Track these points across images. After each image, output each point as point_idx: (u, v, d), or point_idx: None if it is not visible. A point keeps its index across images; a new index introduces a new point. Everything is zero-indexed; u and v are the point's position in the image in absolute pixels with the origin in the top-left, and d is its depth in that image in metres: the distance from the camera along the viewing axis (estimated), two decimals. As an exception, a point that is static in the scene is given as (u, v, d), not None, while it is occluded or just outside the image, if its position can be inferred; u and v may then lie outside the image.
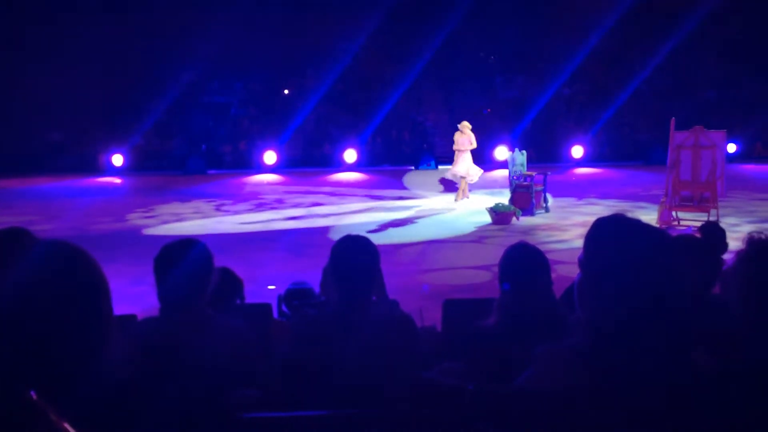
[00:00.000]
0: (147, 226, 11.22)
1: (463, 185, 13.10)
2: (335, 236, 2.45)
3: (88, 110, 18.99)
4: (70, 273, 1.22)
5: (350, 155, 19.48)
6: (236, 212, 12.61)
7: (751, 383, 1.47)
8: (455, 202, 12.98)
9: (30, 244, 2.83)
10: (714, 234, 3.44)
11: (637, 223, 1.51)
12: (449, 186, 14.18)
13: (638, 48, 19.96)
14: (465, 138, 13.00)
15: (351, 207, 12.87)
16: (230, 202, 13.95)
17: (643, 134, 20.11)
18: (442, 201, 13.48)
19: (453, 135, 13.48)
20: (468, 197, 13.13)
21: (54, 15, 18.30)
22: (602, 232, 1.52)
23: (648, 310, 1.44)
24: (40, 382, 1.12)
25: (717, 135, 10.32)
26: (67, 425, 1.11)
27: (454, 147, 13.13)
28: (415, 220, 11.16)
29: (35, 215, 12.03)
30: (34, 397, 1.10)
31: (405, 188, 15.73)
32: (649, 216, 10.01)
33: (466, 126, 13.09)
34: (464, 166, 12.94)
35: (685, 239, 2.98)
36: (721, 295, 2.76)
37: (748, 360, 1.61)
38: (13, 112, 18.93)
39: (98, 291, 1.23)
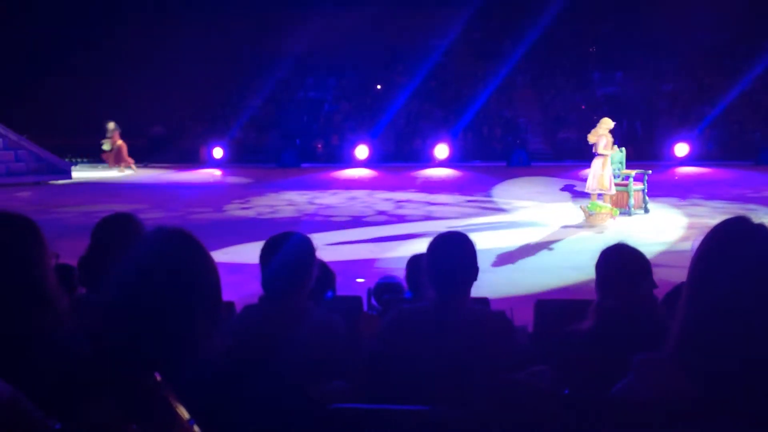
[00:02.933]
0: (244, 217, 11.64)
1: (605, 199, 10.57)
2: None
3: (190, 105, 19.91)
4: (186, 256, 1.27)
5: (441, 151, 19.37)
6: (328, 206, 12.85)
7: None
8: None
9: (136, 229, 2.99)
10: None
11: (754, 228, 1.42)
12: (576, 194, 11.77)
13: (749, 42, 18.72)
14: (599, 139, 10.56)
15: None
16: (324, 196, 14.24)
17: (755, 132, 18.87)
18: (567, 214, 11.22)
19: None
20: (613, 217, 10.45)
21: (157, 14, 19.31)
22: (725, 234, 1.44)
23: (760, 322, 1.35)
24: (161, 365, 1.18)
25: (840, 134, 9.54)
26: (182, 408, 1.17)
27: (595, 149, 10.65)
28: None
29: (143, 203, 12.74)
30: (158, 378, 1.16)
31: (511, 193, 15.32)
32: (761, 219, 9.38)
33: (602, 124, 10.67)
34: (593, 178, 10.54)
35: None
36: None
37: None
38: (120, 107, 20.14)
39: (211, 275, 1.28)
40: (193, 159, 19.95)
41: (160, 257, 1.25)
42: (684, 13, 18.06)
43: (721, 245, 1.43)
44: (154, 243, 1.28)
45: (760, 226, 1.44)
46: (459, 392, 2.14)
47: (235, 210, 12.48)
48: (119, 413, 1.09)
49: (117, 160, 18.79)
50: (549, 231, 10.02)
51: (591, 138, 10.64)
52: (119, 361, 1.15)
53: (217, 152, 20.07)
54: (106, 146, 18.67)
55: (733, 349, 1.36)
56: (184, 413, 1.17)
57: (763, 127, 18.05)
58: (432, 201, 13.21)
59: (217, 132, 20.17)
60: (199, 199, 13.67)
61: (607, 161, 10.56)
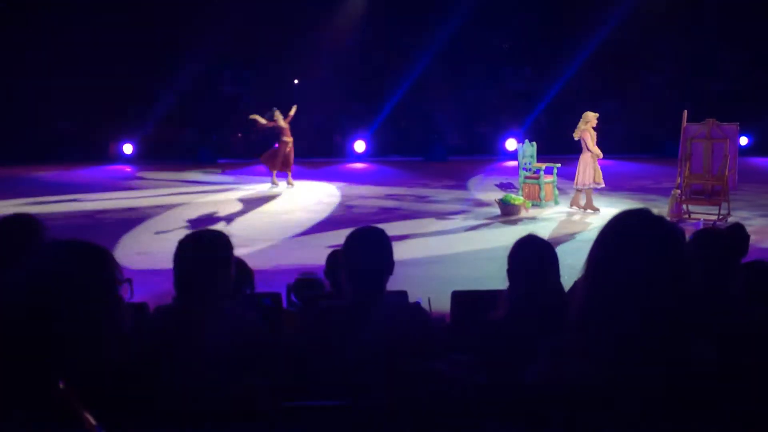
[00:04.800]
0: (157, 215, 11.28)
1: (579, 195, 10.89)
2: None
3: (98, 99, 19.03)
4: (82, 267, 1.24)
5: (359, 145, 19.52)
6: (247, 201, 12.64)
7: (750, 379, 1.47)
8: (570, 208, 10.94)
9: (35, 229, 2.85)
10: (739, 235, 3.46)
11: (652, 219, 1.51)
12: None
13: (650, 39, 19.77)
14: (584, 134, 10.67)
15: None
16: (242, 191, 13.98)
17: (655, 126, 19.96)
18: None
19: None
20: (589, 210, 10.66)
21: (64, 2, 18.32)
22: (620, 225, 1.53)
23: (653, 306, 1.45)
24: (63, 371, 1.14)
25: (729, 128, 10.25)
26: (87, 414, 1.13)
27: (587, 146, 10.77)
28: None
29: (47, 202, 12.11)
30: (62, 386, 1.12)
31: (429, 185, 15.53)
32: (660, 209, 9.96)
33: (585, 118, 10.71)
34: (587, 173, 10.64)
35: (712, 235, 2.98)
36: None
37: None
38: (22, 101, 19.01)
39: (108, 283, 1.25)
40: (102, 156, 19.15)
41: (55, 266, 1.22)
42: (591, 9, 18.82)
43: (616, 235, 1.52)
44: (48, 253, 1.25)
45: (646, 212, 1.54)
46: (379, 385, 2.17)
47: (147, 208, 12.08)
48: (21, 422, 1.05)
49: (284, 163, 13.94)
50: (466, 222, 10.26)
51: (576, 135, 10.79)
52: (18, 368, 1.11)
53: (127, 148, 19.37)
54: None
55: (627, 333, 1.45)
56: (91, 420, 1.14)
57: (664, 121, 19.09)
58: (351, 196, 13.24)
59: (128, 127, 19.42)
60: (110, 197, 13.13)
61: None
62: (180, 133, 20.75)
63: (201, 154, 19.43)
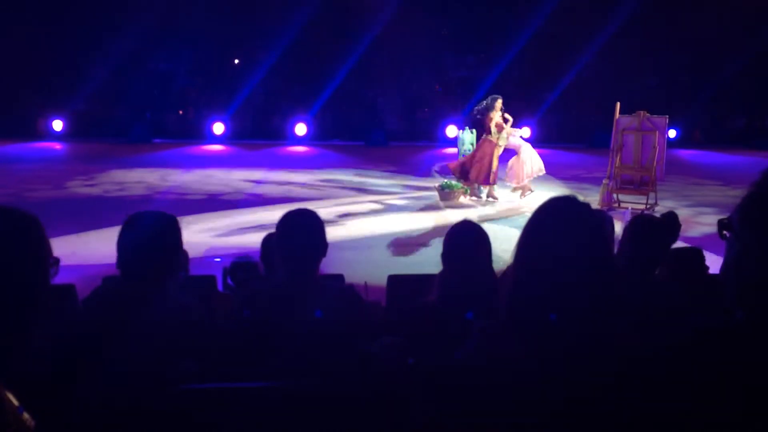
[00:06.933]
0: (88, 195, 10.90)
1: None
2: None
3: (26, 72, 18.15)
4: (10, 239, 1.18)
5: (300, 129, 19.35)
6: (182, 183, 12.36)
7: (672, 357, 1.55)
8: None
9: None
10: (672, 223, 3.63)
11: (578, 205, 1.57)
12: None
13: (585, 32, 20.27)
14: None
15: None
16: (177, 173, 13.65)
17: (589, 117, 20.53)
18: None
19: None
20: (523, 193, 10.90)
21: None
22: (547, 211, 1.58)
23: (574, 289, 1.50)
24: None
25: (659, 120, 10.64)
26: (10, 395, 1.09)
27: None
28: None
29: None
30: None
31: (368, 171, 15.50)
32: (592, 197, 10.29)
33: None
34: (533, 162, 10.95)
35: (648, 221, 3.12)
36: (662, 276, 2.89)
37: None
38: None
39: (34, 260, 1.20)
40: (29, 132, 18.29)
41: None
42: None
43: (543, 220, 1.57)
44: None
45: (572, 199, 1.60)
46: (311, 367, 2.18)
47: (78, 187, 11.65)
48: None
49: (482, 175, 10.66)
50: (405, 208, 10.33)
51: (509, 129, 10.80)
52: None
53: (57, 125, 18.59)
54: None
55: (551, 312, 1.50)
56: (13, 400, 1.10)
57: (596, 113, 19.66)
58: (291, 180, 13.13)
59: (58, 103, 18.60)
60: (38, 176, 12.59)
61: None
62: (112, 110, 20.03)
63: (135, 132, 18.84)
